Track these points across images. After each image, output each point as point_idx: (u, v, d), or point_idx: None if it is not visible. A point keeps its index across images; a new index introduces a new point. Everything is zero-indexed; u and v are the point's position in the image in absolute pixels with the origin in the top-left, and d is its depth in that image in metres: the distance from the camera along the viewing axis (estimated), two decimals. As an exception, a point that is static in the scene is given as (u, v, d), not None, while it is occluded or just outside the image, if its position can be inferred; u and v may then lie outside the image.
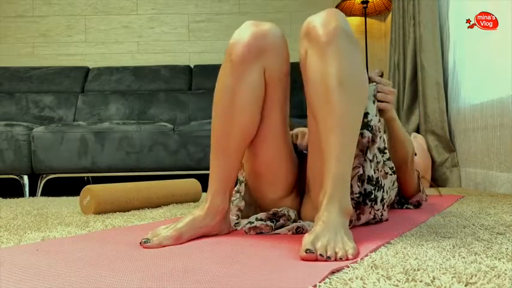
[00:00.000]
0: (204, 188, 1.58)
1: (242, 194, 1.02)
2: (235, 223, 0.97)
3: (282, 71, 0.90)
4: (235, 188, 1.03)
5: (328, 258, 0.66)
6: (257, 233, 0.91)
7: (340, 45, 0.80)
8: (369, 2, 3.08)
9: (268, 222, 0.91)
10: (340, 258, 0.66)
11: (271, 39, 0.88)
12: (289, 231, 0.90)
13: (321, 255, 0.66)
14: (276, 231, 0.90)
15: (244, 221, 0.96)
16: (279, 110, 0.93)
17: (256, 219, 0.91)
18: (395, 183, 1.15)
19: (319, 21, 0.83)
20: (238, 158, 0.91)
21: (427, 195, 1.37)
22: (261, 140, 0.93)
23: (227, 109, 0.88)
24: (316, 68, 0.82)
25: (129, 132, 2.35)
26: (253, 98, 0.88)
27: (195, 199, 1.75)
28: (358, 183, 0.95)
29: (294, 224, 0.90)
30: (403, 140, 1.19)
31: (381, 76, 1.13)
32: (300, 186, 1.01)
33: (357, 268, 0.61)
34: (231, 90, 0.87)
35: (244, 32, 0.88)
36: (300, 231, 0.90)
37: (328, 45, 0.80)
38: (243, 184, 1.03)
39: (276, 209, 0.93)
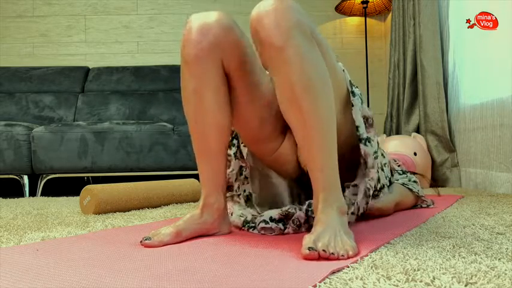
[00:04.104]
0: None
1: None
2: (244, 221, 0.97)
3: (239, 58, 0.87)
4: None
5: (331, 255, 0.67)
6: (262, 234, 0.92)
7: (298, 48, 0.75)
8: (369, 2, 3.08)
9: (281, 226, 0.91)
10: (343, 256, 0.67)
11: (219, 31, 0.84)
12: (292, 223, 0.91)
13: (323, 251, 0.67)
14: (285, 232, 0.92)
15: (257, 218, 0.96)
16: (249, 85, 0.91)
17: (271, 219, 0.92)
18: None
19: (268, 20, 0.75)
20: (222, 155, 0.91)
21: (433, 201, 1.37)
22: (241, 115, 0.93)
23: (197, 113, 0.88)
24: (278, 75, 0.77)
25: (129, 132, 2.35)
26: (219, 96, 0.87)
27: (195, 199, 1.75)
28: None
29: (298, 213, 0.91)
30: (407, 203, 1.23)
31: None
32: None
33: (357, 268, 0.61)
34: (195, 94, 0.86)
35: (192, 30, 0.85)
36: (300, 225, 0.91)
37: (284, 50, 0.74)
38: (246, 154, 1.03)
39: (287, 210, 0.93)
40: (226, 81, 0.89)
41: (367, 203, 0.96)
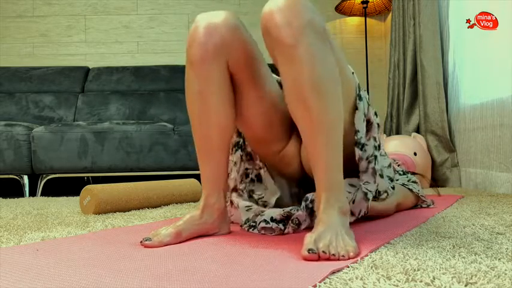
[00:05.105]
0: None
1: (238, 166, 1.03)
2: (246, 219, 0.97)
3: (246, 58, 0.88)
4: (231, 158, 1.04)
5: (332, 256, 0.67)
6: (262, 234, 0.92)
7: (309, 46, 0.74)
8: (369, 2, 3.08)
9: (281, 226, 0.91)
10: (343, 256, 0.67)
11: (226, 31, 0.85)
12: (292, 222, 0.91)
13: (324, 252, 0.67)
14: (285, 232, 0.92)
15: (257, 218, 0.95)
16: (255, 85, 0.91)
17: (272, 219, 0.92)
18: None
19: (280, 18, 0.74)
20: (224, 155, 0.92)
21: (433, 201, 1.37)
22: (246, 116, 0.93)
23: (201, 114, 0.88)
24: (288, 73, 0.77)
25: (129, 132, 2.35)
26: (223, 97, 0.88)
27: (195, 199, 1.75)
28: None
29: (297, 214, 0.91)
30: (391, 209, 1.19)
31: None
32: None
33: (357, 268, 0.61)
34: (200, 95, 0.87)
35: (198, 30, 0.85)
36: (299, 223, 0.91)
37: (296, 49, 0.74)
38: (238, 152, 1.04)
39: (289, 211, 0.93)
40: (231, 82, 0.90)
41: (367, 207, 0.96)
